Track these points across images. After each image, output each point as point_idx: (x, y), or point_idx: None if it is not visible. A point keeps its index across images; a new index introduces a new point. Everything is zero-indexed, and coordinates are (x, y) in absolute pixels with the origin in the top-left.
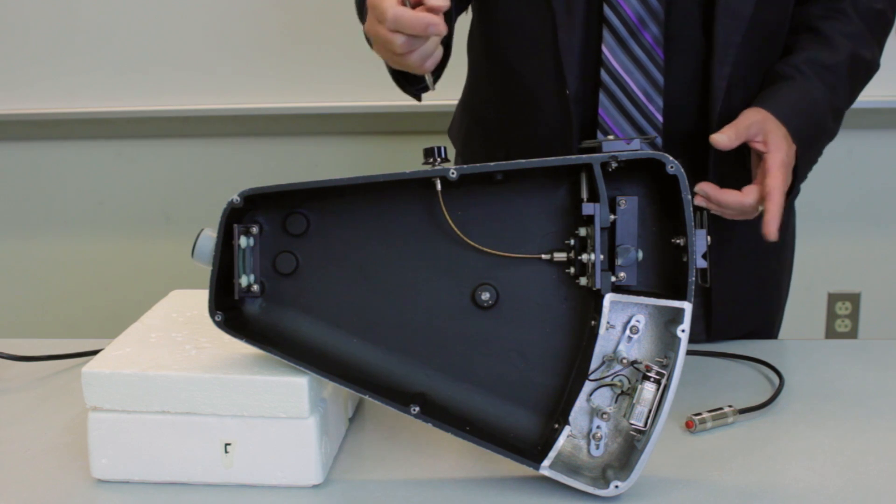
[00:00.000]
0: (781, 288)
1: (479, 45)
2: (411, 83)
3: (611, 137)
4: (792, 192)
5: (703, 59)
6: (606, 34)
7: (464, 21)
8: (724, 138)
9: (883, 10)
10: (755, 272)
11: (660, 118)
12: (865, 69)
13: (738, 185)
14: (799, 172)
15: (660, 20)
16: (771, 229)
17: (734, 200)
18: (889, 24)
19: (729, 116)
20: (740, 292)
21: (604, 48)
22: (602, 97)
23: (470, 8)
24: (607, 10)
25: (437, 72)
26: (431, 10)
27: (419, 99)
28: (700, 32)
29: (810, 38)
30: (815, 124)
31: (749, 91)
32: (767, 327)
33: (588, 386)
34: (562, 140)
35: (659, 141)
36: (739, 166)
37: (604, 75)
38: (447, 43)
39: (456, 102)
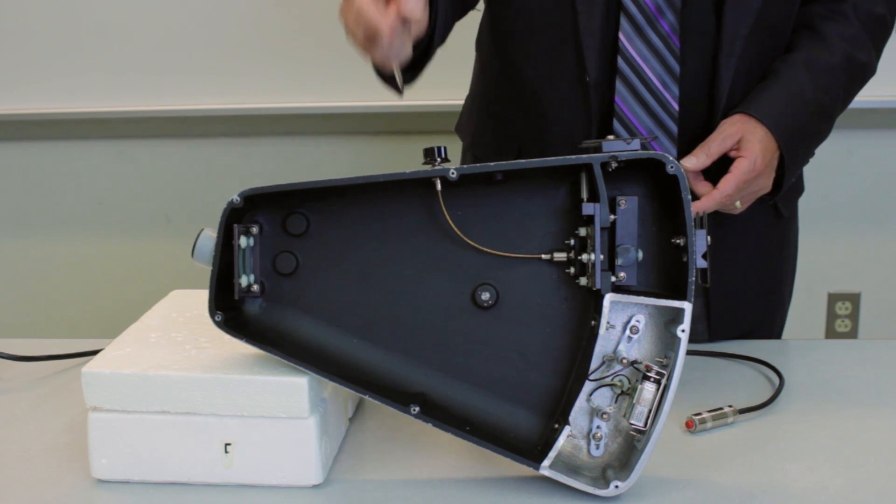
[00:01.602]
0: (784, 286)
1: (491, 37)
2: (385, 78)
3: (611, 137)
4: (780, 189)
5: (713, 50)
6: (624, 21)
7: (472, 18)
8: (692, 161)
9: (883, 15)
10: (757, 271)
11: (675, 106)
12: (860, 73)
13: None
14: (786, 171)
15: (676, 9)
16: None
17: (702, 192)
18: (888, 30)
19: (734, 108)
20: (742, 291)
21: (621, 36)
22: (619, 85)
23: (479, 4)
24: None
25: (412, 72)
26: (404, 16)
27: (399, 94)
28: (712, 24)
29: (808, 36)
30: (803, 123)
31: (753, 84)
32: (768, 326)
33: (588, 386)
34: (579, 129)
35: (674, 129)
36: None
37: (621, 63)
38: (428, 45)
39: (457, 102)
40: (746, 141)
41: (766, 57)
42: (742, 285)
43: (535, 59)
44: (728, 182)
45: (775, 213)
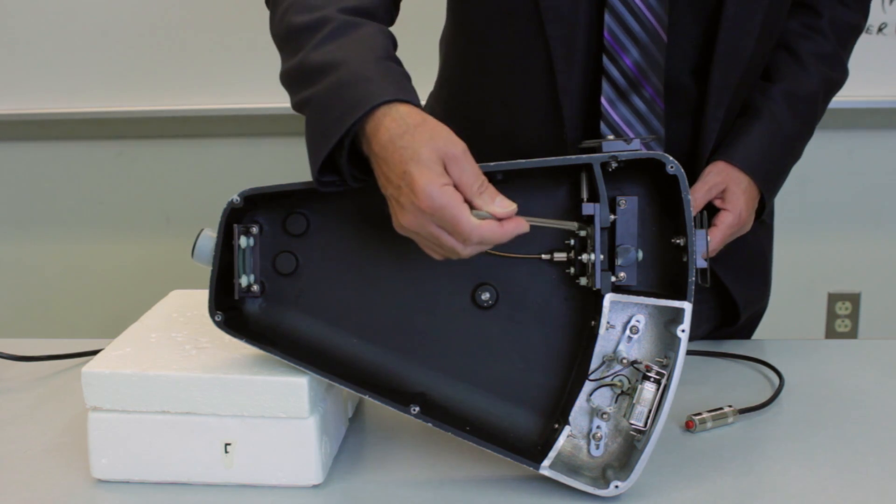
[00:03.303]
0: (769, 285)
1: (462, 71)
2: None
3: (611, 137)
4: (760, 216)
5: (697, 104)
6: (606, 87)
7: (434, 22)
8: None
9: (858, 23)
10: (750, 273)
11: None
12: (835, 90)
13: None
14: (765, 206)
15: (660, 69)
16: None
17: None
18: (859, 34)
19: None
20: (739, 292)
21: (603, 101)
22: None
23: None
24: (607, 62)
25: None
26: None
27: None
28: (693, 76)
29: (786, 61)
30: (783, 160)
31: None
32: (756, 322)
33: (588, 386)
34: None
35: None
36: None
37: (604, 128)
38: None
39: None
40: (731, 193)
41: (746, 94)
42: (739, 287)
43: (510, 107)
44: (714, 237)
45: (760, 222)
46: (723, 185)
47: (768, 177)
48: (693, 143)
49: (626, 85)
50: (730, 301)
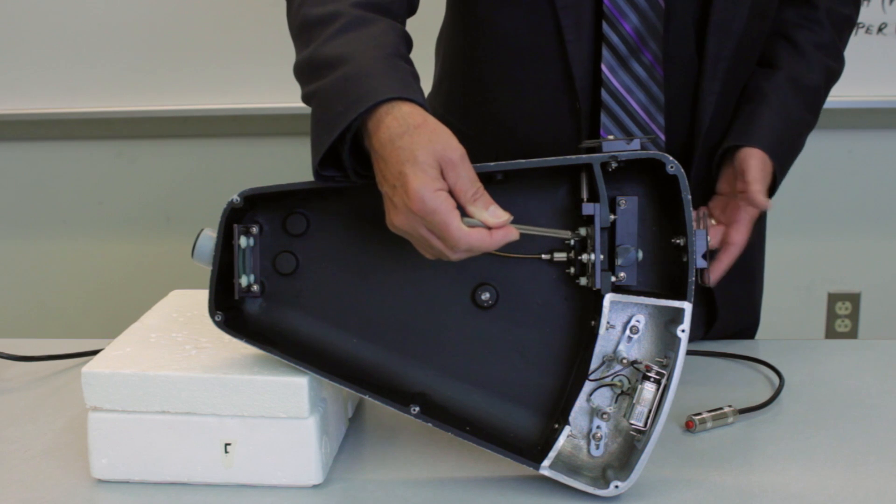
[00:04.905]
0: (762, 278)
1: (463, 63)
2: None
3: (611, 137)
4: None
5: (695, 75)
6: (606, 53)
7: (432, 23)
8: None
9: (850, 15)
10: (747, 268)
11: (662, 136)
12: (835, 80)
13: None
14: (776, 186)
15: (659, 36)
16: (715, 276)
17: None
18: (853, 26)
19: (715, 129)
20: (735, 289)
21: (603, 67)
22: (603, 117)
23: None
24: (606, 28)
25: None
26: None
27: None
28: (693, 49)
29: (786, 48)
30: (794, 145)
31: (731, 103)
32: (755, 320)
33: (588, 386)
34: (566, 153)
35: (662, 139)
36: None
37: (605, 95)
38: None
39: None
40: (750, 167)
41: (743, 74)
42: (735, 283)
43: (518, 89)
44: (743, 232)
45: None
46: (770, 168)
47: (782, 159)
48: (692, 118)
49: (625, 51)
50: (711, 299)
